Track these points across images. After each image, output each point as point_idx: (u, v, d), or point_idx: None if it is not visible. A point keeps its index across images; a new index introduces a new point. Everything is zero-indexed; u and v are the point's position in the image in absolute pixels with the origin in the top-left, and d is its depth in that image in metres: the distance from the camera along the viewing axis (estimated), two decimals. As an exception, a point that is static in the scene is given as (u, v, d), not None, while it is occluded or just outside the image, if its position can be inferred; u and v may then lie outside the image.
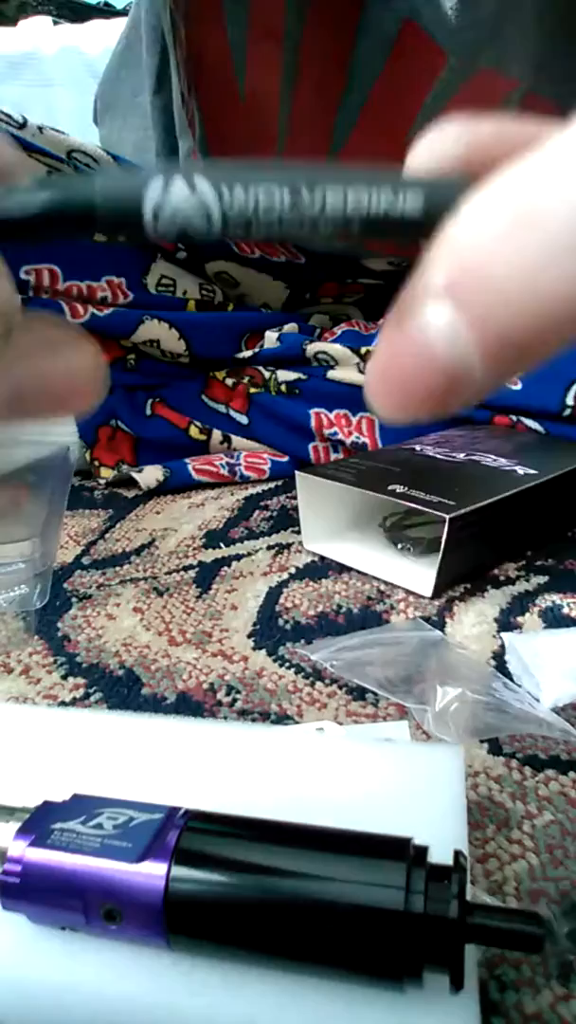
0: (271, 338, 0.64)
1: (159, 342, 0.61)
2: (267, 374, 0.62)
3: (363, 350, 0.60)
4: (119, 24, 0.74)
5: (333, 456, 0.61)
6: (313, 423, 0.60)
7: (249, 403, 0.63)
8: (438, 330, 0.09)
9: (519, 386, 0.55)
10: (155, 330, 0.60)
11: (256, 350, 0.64)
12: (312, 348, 0.61)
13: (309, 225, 0.12)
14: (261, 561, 0.45)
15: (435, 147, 0.13)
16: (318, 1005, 0.17)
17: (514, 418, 0.55)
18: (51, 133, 0.58)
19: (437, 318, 0.09)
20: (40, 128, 0.57)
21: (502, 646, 0.35)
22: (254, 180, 0.12)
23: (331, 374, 0.60)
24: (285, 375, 0.61)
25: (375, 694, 0.32)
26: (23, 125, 0.57)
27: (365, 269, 0.65)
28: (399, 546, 0.45)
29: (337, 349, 0.61)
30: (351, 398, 0.60)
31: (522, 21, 0.48)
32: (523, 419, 0.54)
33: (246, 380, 0.64)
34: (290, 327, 0.65)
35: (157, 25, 0.62)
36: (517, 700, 0.31)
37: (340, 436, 0.59)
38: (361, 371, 0.59)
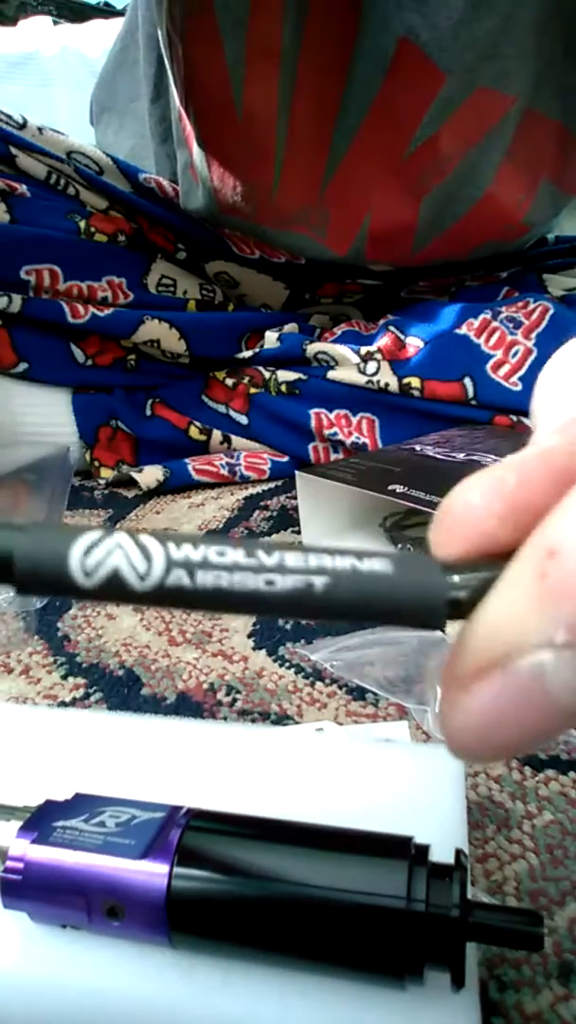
0: (271, 338, 0.64)
1: (159, 342, 0.61)
2: (267, 374, 0.62)
3: (363, 350, 0.60)
4: (118, 24, 0.74)
5: (333, 456, 0.61)
6: (313, 423, 0.60)
7: (249, 403, 0.63)
8: (562, 678, 0.09)
9: (519, 387, 0.56)
10: (155, 330, 0.60)
11: (256, 350, 0.64)
12: (312, 348, 0.62)
13: (265, 579, 0.11)
14: (261, 561, 0.45)
15: (464, 531, 0.11)
16: (320, 1003, 0.17)
17: (514, 418, 0.55)
18: (51, 134, 0.58)
19: (560, 667, 0.09)
20: (40, 129, 0.57)
21: (502, 646, 0.35)
22: (205, 540, 0.11)
23: (331, 374, 0.60)
24: (285, 375, 0.62)
25: (375, 694, 0.32)
26: (23, 126, 0.57)
27: (364, 270, 0.65)
28: (399, 546, 0.45)
29: (337, 349, 0.61)
30: (351, 398, 0.60)
31: (520, 39, 0.48)
32: (523, 419, 0.54)
33: (246, 380, 0.64)
34: (290, 327, 0.65)
35: (153, 34, 0.62)
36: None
37: (340, 436, 0.59)
38: (361, 371, 0.59)
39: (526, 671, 0.10)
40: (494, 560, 0.11)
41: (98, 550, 0.11)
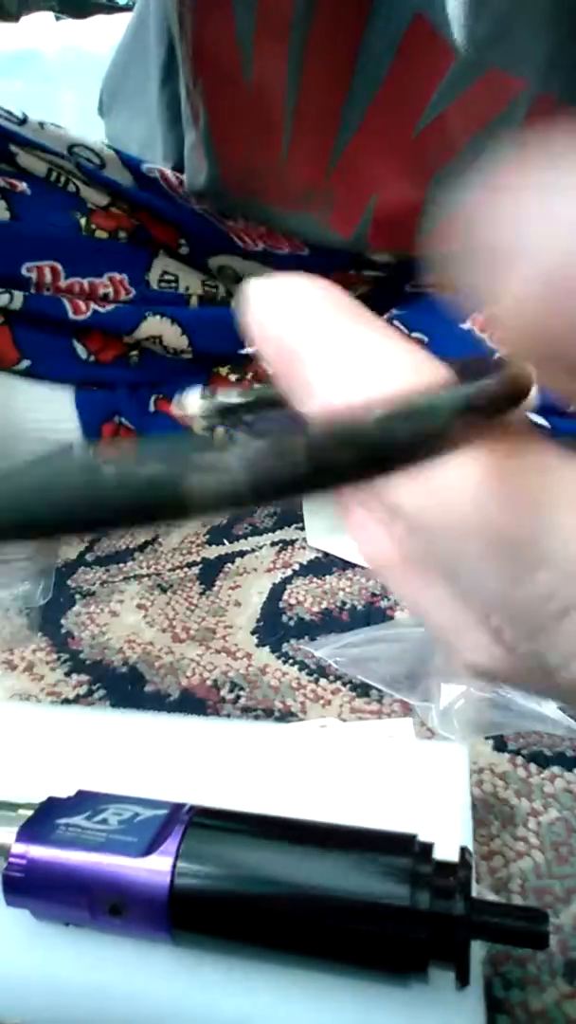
0: None
1: (161, 338, 0.61)
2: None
3: None
4: (122, 20, 0.74)
5: (337, 452, 0.61)
6: None
7: None
8: None
9: None
10: (157, 326, 0.60)
11: (259, 346, 0.64)
12: None
13: None
14: (265, 557, 0.45)
15: None
16: (323, 1001, 0.17)
17: None
18: (52, 129, 0.58)
19: None
20: (41, 124, 0.57)
21: (506, 642, 0.35)
22: None
23: None
24: None
25: (379, 691, 0.32)
26: (23, 122, 0.57)
27: (369, 261, 0.65)
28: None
29: None
30: None
31: (533, 21, 0.48)
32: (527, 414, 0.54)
33: (249, 376, 0.63)
34: None
35: (166, 16, 0.62)
36: (522, 697, 0.31)
37: None
38: None
39: None
40: None
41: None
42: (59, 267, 0.57)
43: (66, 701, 0.33)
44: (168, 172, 0.60)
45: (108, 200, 0.60)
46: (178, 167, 0.61)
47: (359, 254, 0.64)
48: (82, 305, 0.58)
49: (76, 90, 1.24)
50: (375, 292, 0.70)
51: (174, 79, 0.62)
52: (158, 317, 0.60)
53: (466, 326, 0.59)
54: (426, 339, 0.59)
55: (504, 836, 0.24)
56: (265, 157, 0.55)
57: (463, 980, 0.16)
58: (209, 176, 0.58)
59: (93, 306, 0.58)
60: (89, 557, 0.47)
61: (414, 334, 0.60)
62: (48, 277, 0.57)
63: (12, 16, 1.35)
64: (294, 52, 0.49)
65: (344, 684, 0.32)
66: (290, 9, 0.47)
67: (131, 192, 0.60)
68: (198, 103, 0.55)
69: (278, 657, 0.35)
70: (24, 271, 0.56)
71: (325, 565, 0.44)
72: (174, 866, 0.17)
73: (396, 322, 0.61)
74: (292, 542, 0.47)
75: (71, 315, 0.57)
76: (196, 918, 0.17)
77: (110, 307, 0.59)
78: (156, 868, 0.17)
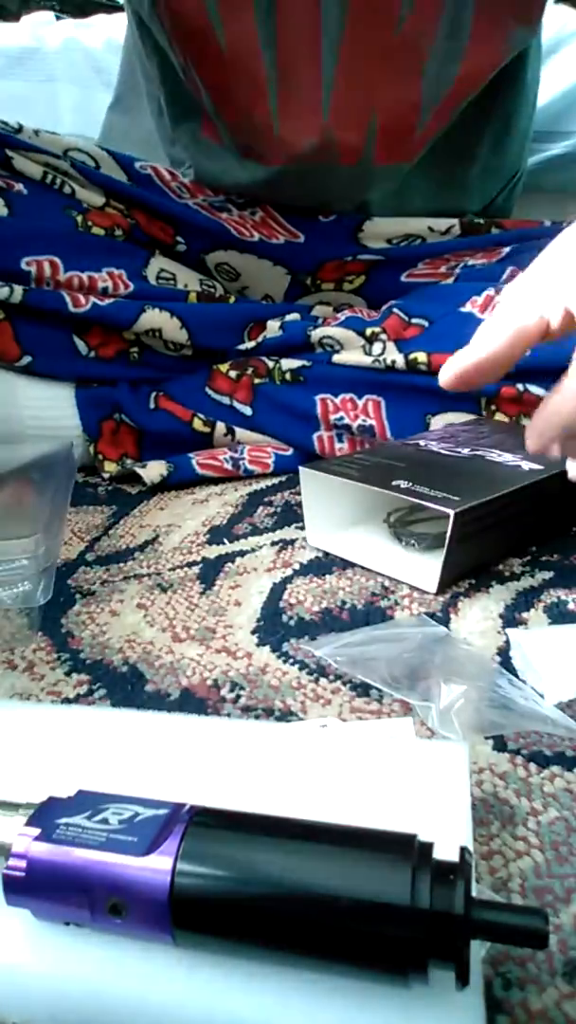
0: (273, 327, 0.63)
1: (161, 332, 0.60)
2: (271, 363, 0.62)
3: (368, 331, 0.60)
4: (122, 18, 0.74)
5: (338, 446, 0.61)
6: (319, 409, 0.60)
7: (253, 394, 0.63)
8: None
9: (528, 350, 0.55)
10: (157, 319, 0.60)
11: (259, 340, 0.63)
12: (317, 333, 0.61)
13: None
14: (265, 557, 0.45)
15: None
16: (323, 1001, 0.17)
17: (520, 387, 0.54)
18: (47, 135, 0.59)
19: None
20: (36, 131, 0.59)
21: (507, 642, 0.35)
22: None
23: (336, 358, 0.60)
24: (289, 363, 0.61)
25: (379, 690, 0.32)
26: (20, 130, 0.58)
27: (364, 247, 0.65)
28: (404, 542, 0.45)
29: (342, 332, 0.60)
30: (357, 381, 0.59)
31: None
32: (529, 387, 0.53)
33: (250, 371, 0.63)
34: (292, 317, 0.65)
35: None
36: (522, 696, 0.31)
37: (347, 420, 0.59)
38: (367, 352, 0.59)
39: None
40: None
41: None
42: (58, 261, 0.58)
43: (66, 701, 0.33)
44: (161, 168, 0.61)
45: (103, 200, 0.61)
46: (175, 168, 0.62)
47: (354, 236, 0.63)
48: (82, 299, 0.58)
49: (77, 88, 1.24)
50: (371, 282, 0.70)
51: (171, 73, 0.63)
52: (157, 310, 0.60)
53: (466, 309, 0.59)
54: (427, 324, 0.59)
55: (504, 836, 0.24)
56: (257, 112, 0.57)
57: (463, 980, 0.16)
58: (223, 151, 0.59)
59: (92, 300, 0.58)
60: (89, 556, 0.47)
61: (414, 320, 0.60)
62: (48, 271, 0.58)
63: (13, 15, 1.35)
64: (258, 6, 0.51)
65: (344, 684, 0.32)
66: None
67: (126, 189, 0.60)
68: (194, 77, 0.56)
69: (278, 656, 0.35)
70: (24, 265, 0.57)
71: (325, 565, 0.44)
72: (174, 866, 0.17)
73: (396, 311, 0.61)
74: (292, 542, 0.47)
75: (71, 307, 0.57)
76: (197, 918, 0.17)
77: (109, 300, 0.59)
78: (156, 868, 0.17)
